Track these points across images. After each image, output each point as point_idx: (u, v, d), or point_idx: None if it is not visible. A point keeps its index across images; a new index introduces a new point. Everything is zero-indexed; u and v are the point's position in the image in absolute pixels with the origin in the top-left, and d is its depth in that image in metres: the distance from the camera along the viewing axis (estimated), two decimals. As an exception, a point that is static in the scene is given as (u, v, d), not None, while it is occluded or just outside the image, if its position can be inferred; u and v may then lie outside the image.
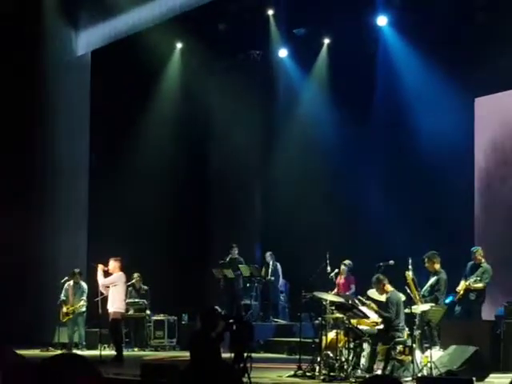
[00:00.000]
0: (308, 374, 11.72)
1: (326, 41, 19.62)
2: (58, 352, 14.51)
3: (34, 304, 17.77)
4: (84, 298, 16.96)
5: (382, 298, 11.86)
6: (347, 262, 15.90)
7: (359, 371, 11.35)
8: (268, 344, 16.92)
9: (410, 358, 11.00)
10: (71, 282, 17.07)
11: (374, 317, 11.84)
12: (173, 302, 18.49)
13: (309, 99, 20.32)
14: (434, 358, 11.02)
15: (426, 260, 13.22)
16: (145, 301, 17.82)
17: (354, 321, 11.72)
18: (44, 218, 18.43)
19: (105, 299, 14.72)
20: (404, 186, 17.91)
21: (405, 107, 18.06)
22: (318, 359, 11.74)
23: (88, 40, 19.47)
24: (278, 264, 18.88)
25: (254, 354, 10.76)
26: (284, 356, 15.82)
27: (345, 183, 18.89)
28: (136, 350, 17.32)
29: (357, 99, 18.64)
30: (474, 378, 9.29)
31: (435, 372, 10.84)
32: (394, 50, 18.18)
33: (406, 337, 11.40)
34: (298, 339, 12.98)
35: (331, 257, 13.48)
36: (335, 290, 15.02)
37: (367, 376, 10.77)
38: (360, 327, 11.71)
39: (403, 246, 14.38)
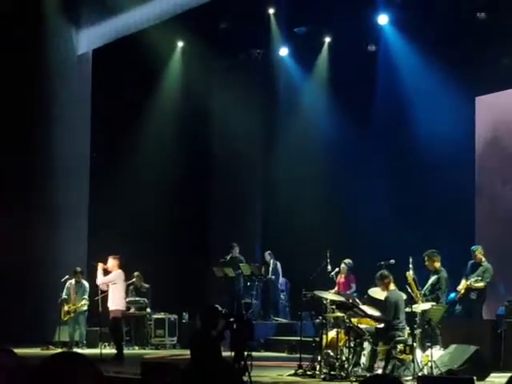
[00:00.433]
0: (308, 372, 11.73)
1: (327, 39, 19.62)
2: (59, 350, 14.54)
3: (35, 303, 17.75)
4: (86, 296, 16.94)
5: (383, 296, 11.85)
6: (347, 260, 15.90)
7: (360, 370, 11.35)
8: (268, 343, 16.92)
9: (410, 357, 11.00)
10: (73, 281, 17.05)
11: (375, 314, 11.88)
12: (173, 300, 18.49)
13: (309, 98, 20.32)
14: (434, 357, 11.02)
15: (425, 259, 13.22)
16: (145, 299, 17.82)
17: (354, 320, 11.71)
18: (44, 218, 18.41)
19: (105, 298, 14.73)
20: (404, 185, 17.92)
21: (405, 106, 18.07)
22: (319, 358, 11.74)
23: (89, 38, 19.47)
24: (278, 263, 18.88)
25: (254, 353, 10.80)
26: (284, 355, 15.81)
27: (345, 182, 18.89)
28: (136, 348, 17.32)
29: (357, 98, 18.65)
30: (474, 378, 9.30)
31: (436, 371, 10.84)
32: (395, 48, 18.17)
33: (406, 336, 11.40)
34: (299, 338, 12.99)
35: (332, 256, 13.51)
36: (335, 289, 15.02)
37: (368, 375, 10.75)
38: (360, 326, 11.71)
39: (404, 245, 14.38)
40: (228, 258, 18.59)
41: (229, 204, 21.17)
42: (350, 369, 11.24)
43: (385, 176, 18.43)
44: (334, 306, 12.09)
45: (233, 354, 9.92)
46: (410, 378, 10.76)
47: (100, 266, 14.65)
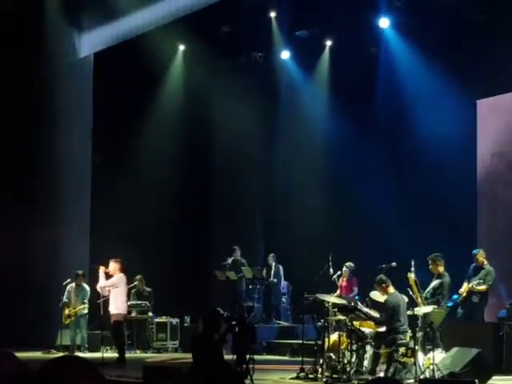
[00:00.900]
0: (310, 376, 11.72)
1: (328, 43, 19.64)
2: (60, 354, 14.53)
3: (36, 306, 17.75)
4: (86, 300, 16.94)
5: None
6: (349, 264, 15.91)
7: (362, 373, 11.34)
8: (270, 346, 16.91)
9: (412, 360, 10.99)
10: (73, 284, 17.03)
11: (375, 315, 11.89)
12: (175, 304, 18.48)
13: (311, 101, 20.32)
14: (436, 360, 11.00)
15: (429, 262, 13.22)
16: (147, 303, 17.82)
17: (356, 323, 11.72)
18: (45, 219, 18.39)
19: (107, 301, 14.72)
20: (406, 187, 17.91)
21: (407, 109, 18.07)
22: (321, 361, 11.75)
23: (91, 42, 19.47)
24: (280, 266, 18.88)
25: (256, 356, 10.79)
26: (286, 358, 15.81)
27: (347, 185, 18.89)
28: (138, 352, 17.30)
29: (359, 101, 18.66)
30: (476, 380, 9.31)
31: (438, 374, 10.83)
32: (396, 51, 18.19)
33: (408, 339, 11.40)
34: (301, 341, 13.00)
35: (333, 259, 13.50)
36: (337, 292, 15.02)
37: (370, 378, 10.75)
38: (363, 329, 11.70)
39: (406, 248, 14.38)
40: (230, 261, 18.59)
41: (230, 205, 21.19)
42: (352, 372, 11.23)
43: (387, 178, 18.41)
44: (335, 309, 12.09)
45: (235, 357, 9.92)
46: (412, 381, 10.76)
47: (102, 269, 14.65)
